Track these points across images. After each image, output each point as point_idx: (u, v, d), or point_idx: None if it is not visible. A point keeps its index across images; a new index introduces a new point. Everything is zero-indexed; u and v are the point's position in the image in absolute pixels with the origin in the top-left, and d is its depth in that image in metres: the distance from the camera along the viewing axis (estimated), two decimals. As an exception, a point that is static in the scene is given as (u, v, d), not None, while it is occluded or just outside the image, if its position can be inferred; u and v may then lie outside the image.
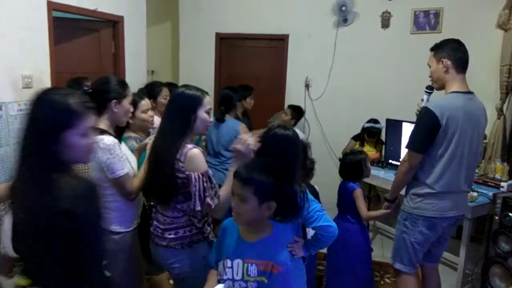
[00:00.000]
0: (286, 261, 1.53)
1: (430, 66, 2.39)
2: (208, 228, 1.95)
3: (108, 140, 1.91)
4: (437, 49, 2.31)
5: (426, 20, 4.43)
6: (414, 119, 2.36)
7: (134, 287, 2.19)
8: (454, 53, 2.24)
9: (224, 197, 1.81)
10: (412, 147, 2.24)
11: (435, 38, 4.20)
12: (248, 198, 1.47)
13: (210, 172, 1.81)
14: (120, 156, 1.93)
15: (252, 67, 5.24)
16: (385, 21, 4.62)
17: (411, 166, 2.26)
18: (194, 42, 5.28)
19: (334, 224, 1.82)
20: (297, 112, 4.39)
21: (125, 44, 4.03)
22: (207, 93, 1.92)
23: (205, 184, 1.75)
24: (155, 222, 1.95)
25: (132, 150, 2.25)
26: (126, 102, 2.08)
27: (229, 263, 1.57)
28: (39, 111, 1.23)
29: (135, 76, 4.01)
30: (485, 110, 2.34)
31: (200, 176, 1.75)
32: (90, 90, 2.01)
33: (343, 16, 4.69)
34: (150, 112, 2.57)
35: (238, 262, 1.55)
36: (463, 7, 4.27)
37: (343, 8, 4.64)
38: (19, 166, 1.24)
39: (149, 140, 2.16)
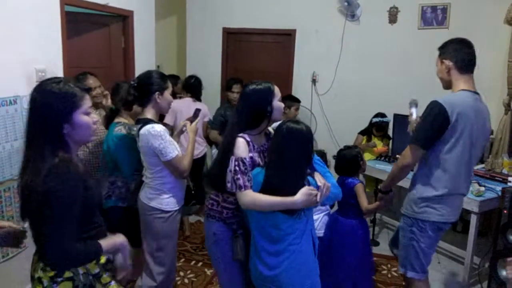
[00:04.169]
0: None
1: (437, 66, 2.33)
2: (228, 214, 2.02)
3: (158, 127, 2.15)
4: (442, 49, 2.26)
5: (433, 16, 4.45)
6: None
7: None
8: (455, 53, 2.18)
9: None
10: (416, 141, 2.15)
11: (443, 33, 4.30)
12: None
13: (247, 159, 1.89)
14: (170, 141, 2.15)
15: (259, 62, 5.25)
16: (393, 16, 4.64)
17: (412, 161, 2.19)
18: (201, 37, 5.30)
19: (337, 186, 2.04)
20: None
21: (135, 38, 4.05)
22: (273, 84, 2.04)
23: (236, 168, 1.87)
24: None
25: (120, 135, 2.44)
26: (167, 93, 2.31)
27: None
28: (48, 100, 1.38)
29: (144, 70, 4.02)
30: (489, 115, 2.27)
31: (233, 159, 1.90)
32: (136, 84, 2.27)
33: (351, 11, 4.70)
34: None
35: None
36: (470, 2, 4.29)
37: (345, 4, 4.64)
38: (26, 151, 1.40)
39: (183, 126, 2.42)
